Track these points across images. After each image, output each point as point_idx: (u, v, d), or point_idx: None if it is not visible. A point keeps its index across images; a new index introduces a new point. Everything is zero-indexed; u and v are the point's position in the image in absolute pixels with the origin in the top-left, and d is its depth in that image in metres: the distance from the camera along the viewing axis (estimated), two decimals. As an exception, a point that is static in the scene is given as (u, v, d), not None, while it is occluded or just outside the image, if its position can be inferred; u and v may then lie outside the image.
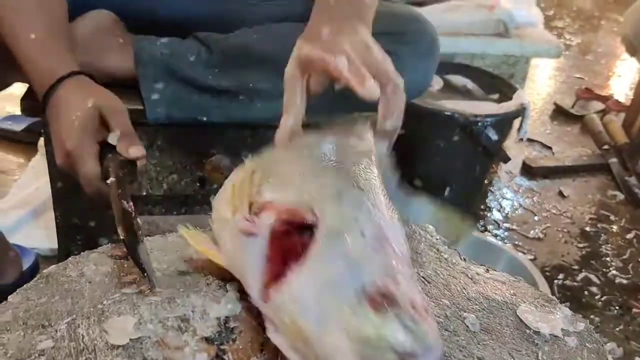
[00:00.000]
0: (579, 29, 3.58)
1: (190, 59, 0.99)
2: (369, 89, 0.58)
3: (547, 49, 1.79)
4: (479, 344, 0.52)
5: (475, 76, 1.60)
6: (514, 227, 1.62)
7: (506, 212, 1.69)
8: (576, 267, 1.49)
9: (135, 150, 0.70)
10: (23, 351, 0.45)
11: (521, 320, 0.56)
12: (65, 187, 1.10)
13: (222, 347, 0.45)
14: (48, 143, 1.07)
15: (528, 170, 1.90)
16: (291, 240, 0.42)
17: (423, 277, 0.58)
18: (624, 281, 1.46)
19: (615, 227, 1.68)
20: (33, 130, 1.71)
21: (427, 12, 1.15)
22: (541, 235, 1.59)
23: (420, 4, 1.71)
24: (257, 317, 0.48)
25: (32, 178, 1.48)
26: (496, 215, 1.67)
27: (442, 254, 0.64)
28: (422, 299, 0.41)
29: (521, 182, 1.86)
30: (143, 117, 0.95)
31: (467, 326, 0.53)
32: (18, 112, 1.91)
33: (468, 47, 1.75)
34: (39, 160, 1.53)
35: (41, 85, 0.74)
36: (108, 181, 0.64)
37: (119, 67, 0.96)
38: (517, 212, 1.70)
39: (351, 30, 0.65)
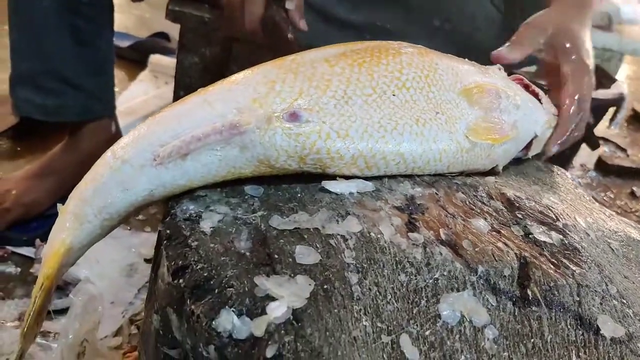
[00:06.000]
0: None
1: None
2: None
3: (646, 49, 1.79)
4: (623, 265, 0.56)
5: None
6: (585, 216, 1.64)
7: (578, 201, 1.72)
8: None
9: (305, 24, 0.76)
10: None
11: (654, 258, 0.61)
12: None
13: (412, 216, 0.51)
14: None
15: (603, 167, 1.91)
16: None
17: (570, 205, 0.63)
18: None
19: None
20: (137, 49, 1.79)
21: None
22: (611, 228, 1.62)
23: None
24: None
25: (140, 91, 1.56)
26: (568, 202, 1.70)
27: (579, 192, 0.68)
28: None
29: (594, 177, 1.87)
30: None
31: (612, 250, 0.58)
32: (122, 30, 2.00)
33: (567, 35, 1.76)
34: (148, 75, 1.61)
35: None
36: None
37: None
38: (588, 203, 1.72)
39: (578, 42, 0.71)
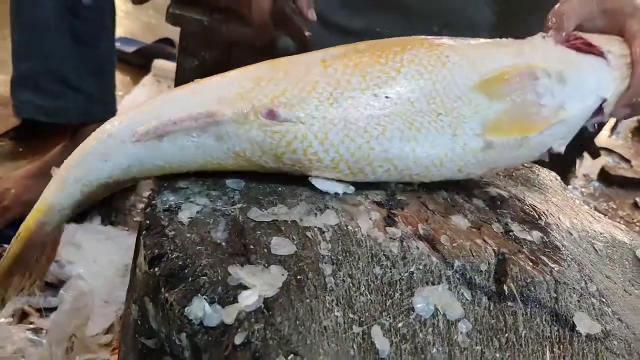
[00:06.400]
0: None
1: None
2: None
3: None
4: (605, 265, 0.56)
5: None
6: (587, 226, 1.63)
7: (580, 211, 1.71)
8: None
9: (313, 13, 0.76)
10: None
11: (639, 260, 0.60)
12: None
13: (392, 211, 0.51)
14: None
15: (605, 177, 1.91)
16: None
17: (556, 205, 0.63)
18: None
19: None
20: (143, 54, 1.80)
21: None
22: (612, 238, 1.61)
23: None
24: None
25: (143, 95, 1.57)
26: (570, 212, 1.69)
27: (567, 195, 0.68)
28: None
29: (597, 187, 1.87)
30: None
31: (595, 250, 0.58)
32: (127, 35, 2.02)
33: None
34: (151, 80, 1.63)
35: None
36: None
37: None
38: (590, 213, 1.71)
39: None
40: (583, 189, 1.83)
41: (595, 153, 1.46)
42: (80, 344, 0.75)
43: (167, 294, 0.42)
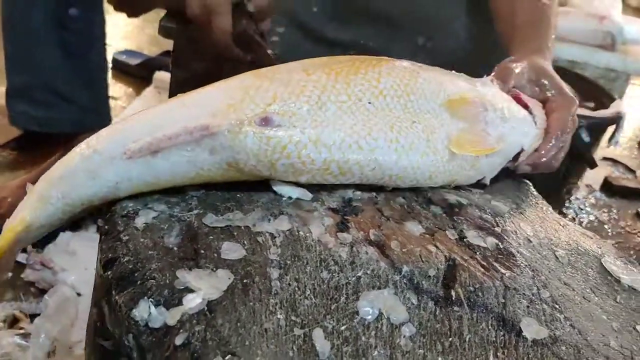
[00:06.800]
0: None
1: (314, 10, 1.07)
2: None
3: (651, 69, 1.78)
4: (565, 272, 0.56)
5: (572, 81, 1.60)
6: (586, 236, 1.62)
7: (581, 222, 1.70)
8: (643, 284, 1.49)
9: (267, 23, 0.77)
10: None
11: (604, 268, 0.60)
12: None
13: (345, 217, 0.52)
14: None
15: (609, 188, 1.89)
16: None
17: (521, 212, 0.63)
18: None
19: (689, 256, 1.66)
20: (146, 66, 1.84)
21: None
22: (612, 249, 1.59)
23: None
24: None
25: (144, 106, 1.60)
26: (570, 222, 1.68)
27: (539, 203, 0.69)
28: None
29: (599, 198, 1.85)
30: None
31: (556, 257, 0.58)
32: (133, 48, 2.06)
33: (570, 54, 1.76)
34: (152, 91, 1.66)
35: None
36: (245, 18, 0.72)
37: None
38: (592, 224, 1.70)
39: (556, 78, 0.73)
40: (585, 199, 1.82)
41: (590, 162, 1.45)
42: (63, 349, 0.77)
43: (117, 297, 0.44)
